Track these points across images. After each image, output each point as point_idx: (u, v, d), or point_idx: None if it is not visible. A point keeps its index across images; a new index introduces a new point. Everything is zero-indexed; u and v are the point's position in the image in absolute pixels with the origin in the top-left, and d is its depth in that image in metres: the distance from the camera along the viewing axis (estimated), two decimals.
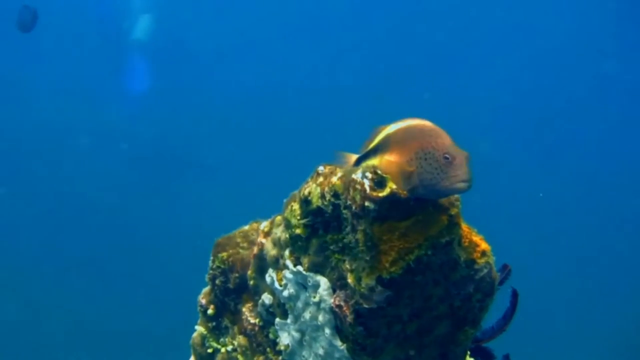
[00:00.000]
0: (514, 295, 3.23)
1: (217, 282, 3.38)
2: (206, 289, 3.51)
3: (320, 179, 2.81)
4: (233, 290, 3.34)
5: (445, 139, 2.51)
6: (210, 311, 3.45)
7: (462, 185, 2.46)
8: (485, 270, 2.84)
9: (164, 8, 16.20)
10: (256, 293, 3.21)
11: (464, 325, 2.90)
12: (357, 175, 2.61)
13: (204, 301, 3.48)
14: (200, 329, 3.54)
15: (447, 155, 2.47)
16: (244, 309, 3.28)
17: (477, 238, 2.85)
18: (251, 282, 3.21)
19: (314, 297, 2.86)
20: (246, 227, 3.42)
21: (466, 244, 2.79)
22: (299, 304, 2.96)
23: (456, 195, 2.69)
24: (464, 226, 2.80)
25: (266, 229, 3.15)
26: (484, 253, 2.84)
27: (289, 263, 2.94)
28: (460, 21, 17.15)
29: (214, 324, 3.48)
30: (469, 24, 17.07)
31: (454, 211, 2.66)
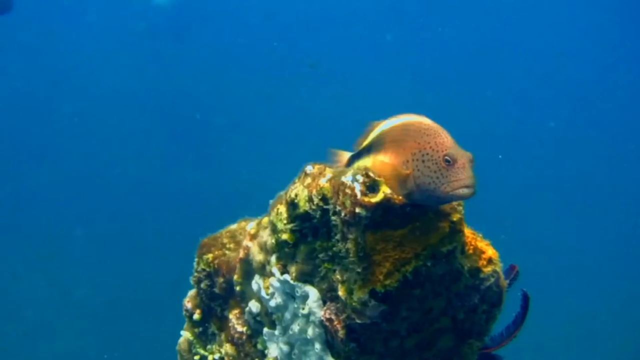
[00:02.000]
0: (525, 298, 2.94)
1: (202, 285, 3.13)
2: (192, 292, 3.25)
3: (308, 180, 2.53)
4: (219, 295, 3.09)
5: (445, 139, 2.23)
6: (196, 316, 3.20)
7: (464, 191, 2.18)
8: (492, 279, 2.57)
9: None
10: (243, 299, 2.96)
11: (469, 338, 2.65)
12: (346, 178, 2.33)
13: (189, 305, 3.23)
14: (186, 334, 3.29)
15: (447, 157, 2.19)
16: (231, 316, 3.03)
17: (482, 244, 2.58)
18: (238, 288, 2.95)
19: (303, 308, 2.60)
20: (234, 226, 3.15)
21: (470, 251, 2.53)
22: (287, 315, 2.70)
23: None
24: (468, 231, 2.53)
25: (253, 231, 2.88)
26: (490, 260, 2.57)
27: (275, 271, 2.68)
28: None
29: (200, 329, 3.23)
30: None
31: (456, 217, 2.38)
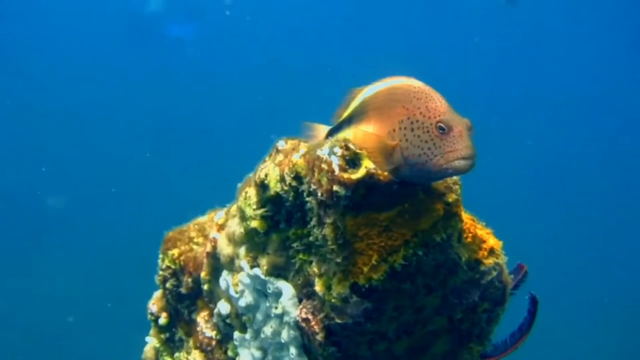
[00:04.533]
0: (533, 302, 2.58)
1: (168, 285, 2.78)
2: (157, 293, 2.90)
3: (280, 157, 2.19)
4: (187, 296, 2.74)
5: (438, 103, 1.89)
6: (162, 320, 2.85)
7: (461, 163, 1.84)
8: (494, 273, 2.23)
9: None
10: (212, 300, 2.61)
11: (468, 342, 2.32)
12: (323, 152, 1.99)
13: (154, 308, 2.88)
14: (152, 341, 2.94)
15: (441, 124, 1.85)
16: (199, 319, 2.68)
17: (483, 232, 2.24)
18: (205, 287, 2.60)
19: (276, 307, 2.25)
20: (203, 218, 2.81)
21: (469, 239, 2.18)
22: (259, 316, 2.35)
23: (455, 177, 2.06)
24: (466, 217, 2.18)
25: (221, 221, 2.54)
26: (492, 251, 2.23)
27: (244, 264, 2.33)
28: None
29: (167, 335, 2.88)
30: None
31: (451, 198, 2.04)
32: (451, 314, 2.21)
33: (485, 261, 2.21)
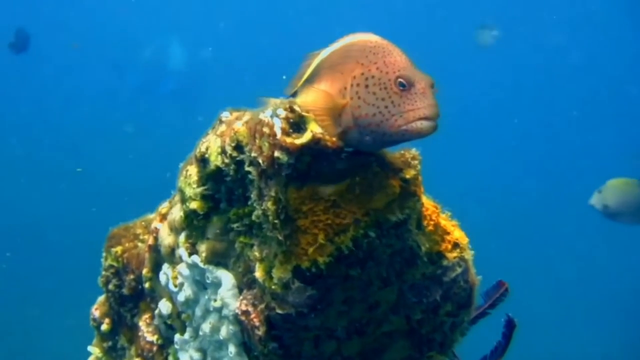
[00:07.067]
0: (509, 325, 2.34)
1: (110, 286, 2.54)
2: (101, 298, 2.66)
3: (222, 127, 1.98)
4: (129, 298, 2.50)
5: (398, 57, 1.70)
6: (105, 326, 2.61)
7: (424, 124, 1.63)
8: (459, 270, 2.00)
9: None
10: (153, 299, 2.37)
11: (429, 349, 2.07)
12: (265, 114, 1.77)
13: (97, 313, 2.64)
14: (95, 350, 2.69)
15: (402, 80, 1.65)
16: (140, 323, 2.43)
17: (447, 222, 2.01)
18: (147, 285, 2.37)
19: (215, 300, 2.01)
20: (151, 215, 2.57)
21: (430, 228, 1.96)
22: (198, 312, 2.12)
23: (414, 151, 1.85)
24: (427, 202, 1.97)
25: (164, 210, 2.32)
26: (456, 245, 2.00)
27: (183, 252, 2.10)
28: None
29: (109, 343, 2.63)
30: None
31: (409, 174, 1.82)
32: (409, 313, 1.98)
33: (449, 255, 1.98)
